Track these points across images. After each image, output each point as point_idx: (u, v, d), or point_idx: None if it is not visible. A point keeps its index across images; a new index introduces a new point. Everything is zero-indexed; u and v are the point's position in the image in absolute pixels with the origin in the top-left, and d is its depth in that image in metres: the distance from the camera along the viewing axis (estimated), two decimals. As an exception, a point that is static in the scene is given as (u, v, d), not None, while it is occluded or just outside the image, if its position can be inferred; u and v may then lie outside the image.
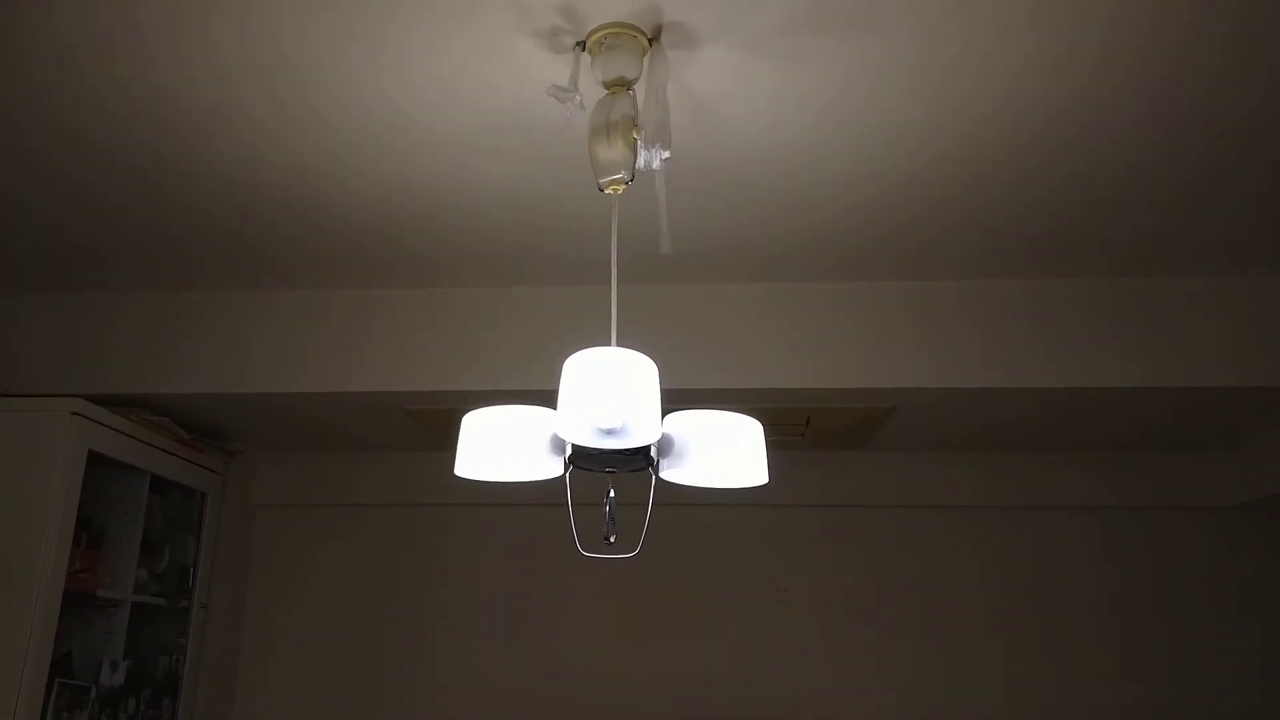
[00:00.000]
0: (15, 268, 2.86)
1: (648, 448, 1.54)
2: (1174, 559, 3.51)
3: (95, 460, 2.76)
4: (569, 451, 1.56)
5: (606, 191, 1.71)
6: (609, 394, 1.40)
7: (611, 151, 1.67)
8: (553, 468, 1.58)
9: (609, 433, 1.44)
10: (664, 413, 1.57)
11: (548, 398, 2.77)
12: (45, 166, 2.27)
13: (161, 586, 3.17)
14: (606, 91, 1.74)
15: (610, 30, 1.73)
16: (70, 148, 2.19)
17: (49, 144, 2.17)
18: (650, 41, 1.76)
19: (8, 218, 2.53)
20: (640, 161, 1.68)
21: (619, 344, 1.62)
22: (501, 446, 1.56)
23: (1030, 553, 3.54)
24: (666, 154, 1.67)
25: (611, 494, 1.61)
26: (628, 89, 1.75)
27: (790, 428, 3.20)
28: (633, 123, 1.68)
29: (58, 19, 1.74)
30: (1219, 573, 3.48)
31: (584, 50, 1.77)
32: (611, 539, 1.58)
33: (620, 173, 1.68)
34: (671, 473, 1.57)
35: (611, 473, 1.57)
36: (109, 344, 3.00)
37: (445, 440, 3.48)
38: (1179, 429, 3.19)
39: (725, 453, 1.54)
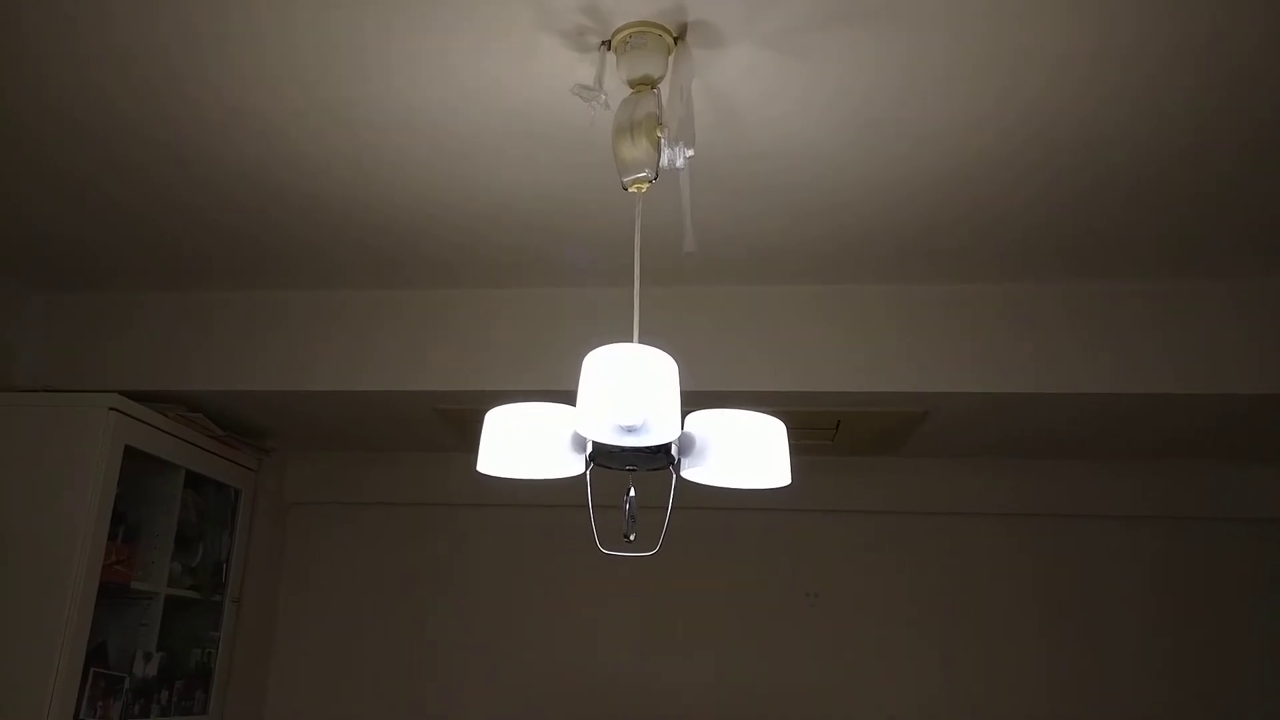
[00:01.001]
0: (54, 267, 2.92)
1: (668, 446, 1.53)
2: (1219, 570, 3.43)
3: (132, 455, 2.81)
4: (589, 449, 1.56)
5: (630, 190, 1.71)
6: (628, 390, 1.40)
7: (635, 150, 1.67)
8: (574, 465, 1.58)
9: (629, 430, 1.44)
10: (688, 413, 1.57)
11: (572, 397, 2.78)
12: (80, 172, 2.32)
13: (195, 580, 3.21)
14: (631, 90, 1.75)
15: (635, 29, 1.73)
16: (102, 152, 2.23)
17: (80, 151, 2.22)
18: (675, 40, 1.76)
19: (47, 219, 2.59)
20: (664, 160, 1.67)
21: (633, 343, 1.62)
22: (523, 444, 1.56)
23: (1066, 561, 3.49)
24: (690, 152, 1.66)
25: (632, 492, 1.61)
26: (652, 88, 1.75)
27: (820, 432, 3.17)
28: (657, 121, 1.68)
29: (76, 27, 1.78)
30: (1265, 584, 3.40)
31: (609, 49, 1.78)
32: (631, 537, 1.58)
33: (644, 171, 1.68)
34: (692, 472, 1.57)
35: (632, 471, 1.57)
36: (145, 341, 3.06)
37: (474, 440, 3.50)
38: (1224, 437, 3.12)
39: (747, 452, 1.54)
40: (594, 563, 3.62)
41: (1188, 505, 3.45)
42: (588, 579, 3.62)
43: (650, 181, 1.69)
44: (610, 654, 3.54)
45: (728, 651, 3.50)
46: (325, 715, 3.59)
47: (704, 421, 1.56)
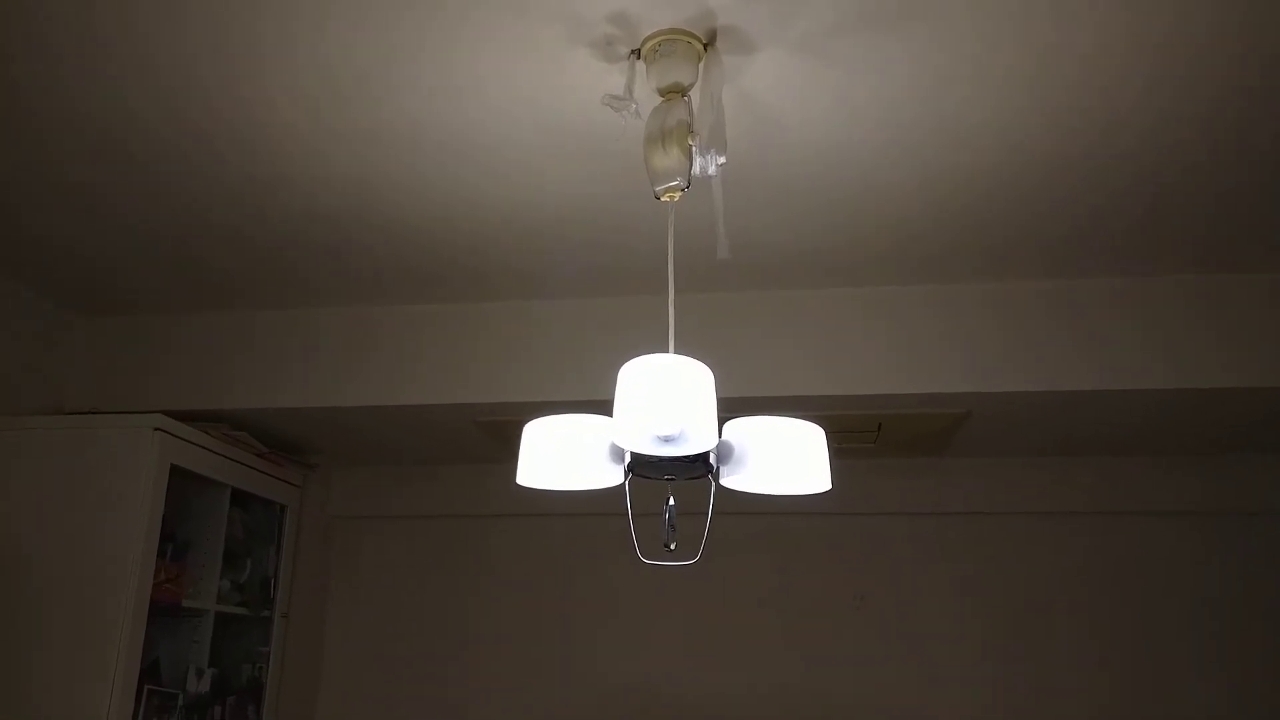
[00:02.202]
0: (95, 290, 2.98)
1: (706, 455, 1.53)
2: (1272, 564, 3.35)
3: (178, 474, 2.85)
4: (628, 459, 1.55)
5: (663, 199, 1.71)
6: (664, 401, 1.39)
7: (667, 158, 1.67)
8: (613, 476, 1.58)
9: (666, 440, 1.43)
10: (726, 421, 1.56)
11: (610, 407, 2.78)
12: (118, 196, 2.36)
13: (244, 596, 3.25)
14: (661, 99, 1.74)
15: (665, 37, 1.73)
16: (139, 176, 2.27)
17: (117, 175, 2.26)
18: (705, 46, 1.75)
19: (86, 244, 2.64)
20: (696, 167, 1.67)
21: (679, 353, 1.62)
22: (562, 455, 1.57)
23: (1117, 560, 3.42)
24: (722, 159, 1.65)
25: (671, 501, 1.60)
26: (683, 95, 1.74)
27: (861, 435, 3.14)
28: (688, 128, 1.67)
29: (151, 47, 1.81)
30: (1321, 581, 3.31)
31: (638, 58, 1.78)
32: (672, 546, 1.57)
33: (676, 180, 1.68)
34: (732, 479, 1.56)
35: (671, 480, 1.57)
36: (187, 362, 3.11)
37: (514, 451, 3.51)
38: (1274, 430, 3.05)
39: (785, 459, 1.52)
40: (635, 571, 3.61)
41: (1242, 500, 3.37)
42: (629, 588, 3.61)
43: (683, 190, 1.68)
44: (654, 662, 3.52)
45: (772, 658, 3.47)
46: (374, 728, 3.62)
47: (742, 429, 1.55)
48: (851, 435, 3.14)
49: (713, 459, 1.54)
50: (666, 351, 1.74)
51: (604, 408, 2.79)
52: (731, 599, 3.55)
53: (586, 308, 2.96)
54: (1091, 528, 3.46)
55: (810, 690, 3.42)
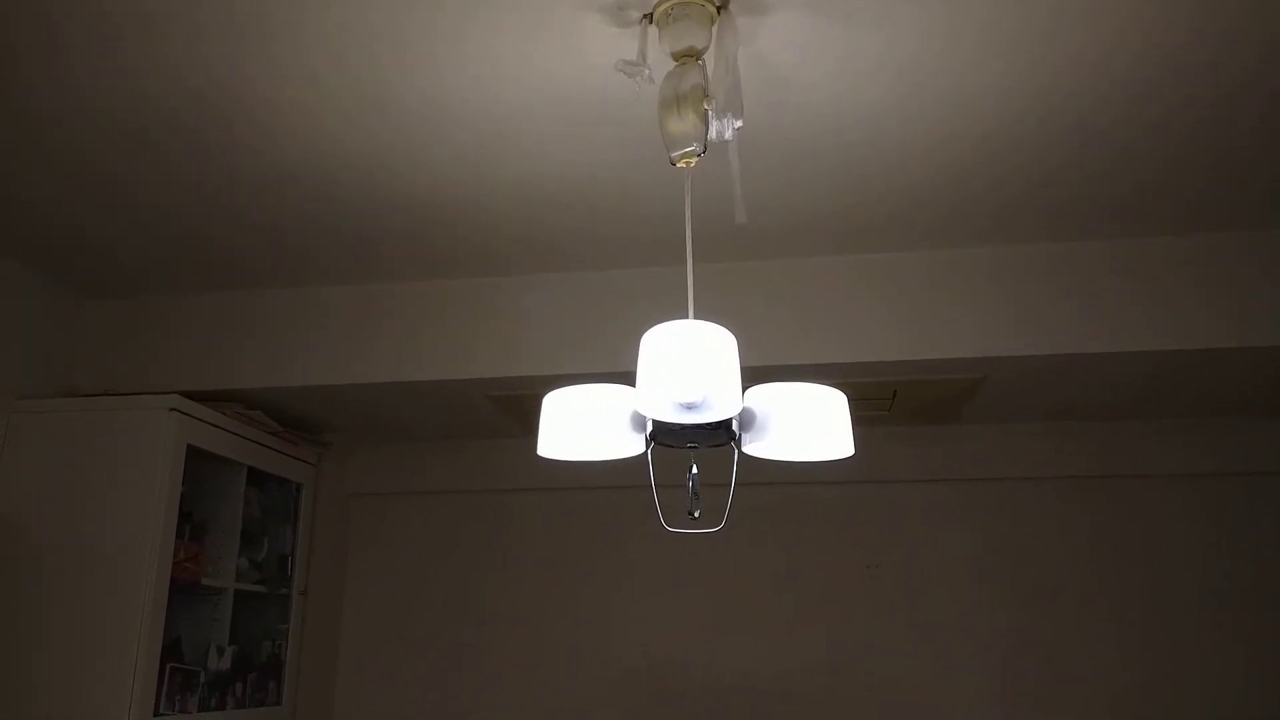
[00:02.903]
0: (105, 273, 2.97)
1: (729, 422, 1.52)
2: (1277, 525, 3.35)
3: (194, 454, 2.85)
4: (650, 428, 1.55)
5: (678, 165, 1.69)
6: (688, 367, 1.38)
7: (682, 123, 1.65)
8: (634, 445, 1.57)
9: (689, 407, 1.42)
10: (746, 389, 1.55)
11: (627, 378, 2.77)
12: (139, 168, 2.35)
13: (262, 574, 3.26)
14: (675, 63, 1.72)
15: (678, 0, 1.70)
16: (162, 148, 2.25)
17: (144, 146, 2.24)
18: (718, 9, 1.72)
19: (96, 226, 2.63)
20: (712, 132, 1.65)
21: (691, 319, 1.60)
22: (583, 425, 1.56)
23: (1128, 523, 3.42)
24: (739, 123, 1.63)
25: (694, 469, 1.60)
26: (697, 59, 1.72)
27: (876, 402, 3.13)
28: (703, 93, 1.65)
29: (158, 24, 1.79)
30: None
31: (650, 22, 1.75)
32: (696, 514, 1.56)
33: (692, 145, 1.65)
34: (754, 446, 1.55)
35: (693, 448, 1.56)
36: (198, 342, 3.11)
37: (528, 426, 3.51)
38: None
39: (808, 424, 1.52)
40: (652, 542, 3.62)
41: (1253, 462, 3.36)
42: (647, 559, 3.62)
43: (699, 155, 1.66)
44: (671, 632, 3.54)
45: (787, 627, 3.48)
46: (393, 701, 3.64)
47: (764, 396, 1.54)
48: (866, 403, 3.13)
49: (735, 426, 1.53)
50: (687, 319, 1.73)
51: (618, 379, 2.79)
52: (746, 569, 3.55)
53: (597, 279, 2.94)
54: (1104, 492, 3.46)
55: (825, 658, 3.43)
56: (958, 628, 3.40)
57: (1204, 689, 3.23)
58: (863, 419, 3.34)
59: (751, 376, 2.72)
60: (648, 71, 1.72)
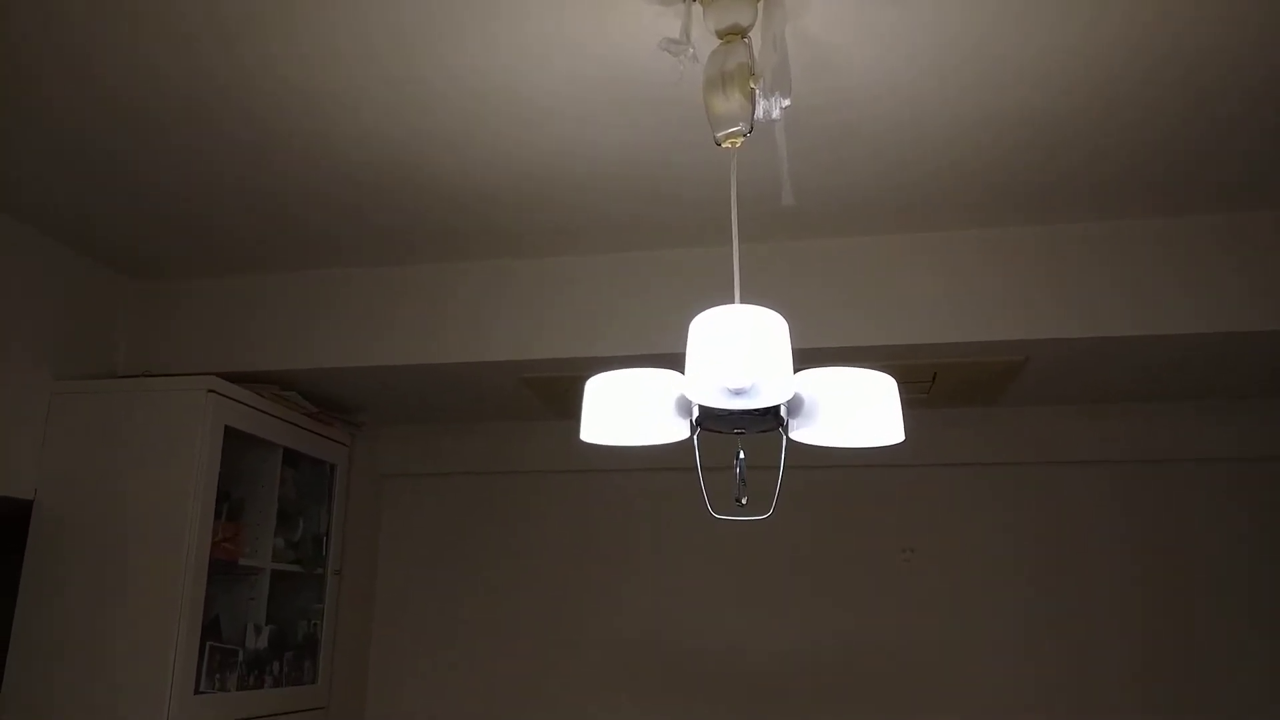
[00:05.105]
0: (146, 255, 2.98)
1: (777, 408, 1.49)
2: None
3: (231, 435, 2.87)
4: (696, 413, 1.52)
5: (724, 146, 1.66)
6: (738, 353, 1.36)
7: (728, 103, 1.61)
8: (679, 430, 1.55)
9: (737, 393, 1.40)
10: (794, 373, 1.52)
11: (670, 361, 2.75)
12: (168, 150, 2.35)
13: (297, 554, 3.28)
14: (720, 41, 1.68)
15: (722, -24, 1.66)
16: (192, 129, 2.25)
17: (174, 128, 2.24)
18: (764, -15, 1.69)
19: (136, 208, 2.64)
20: (759, 111, 1.61)
21: (743, 304, 1.58)
22: (627, 410, 1.54)
23: (1166, 507, 3.36)
24: (787, 102, 1.60)
25: (741, 455, 1.58)
26: (742, 37, 1.68)
27: (916, 385, 3.09)
28: (749, 71, 1.61)
29: (178, 6, 1.78)
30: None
31: (695, 0, 1.72)
32: (743, 500, 1.54)
33: (738, 125, 1.62)
34: (802, 433, 1.52)
35: (740, 434, 1.53)
36: (237, 324, 3.11)
37: (561, 409, 3.50)
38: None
39: (858, 410, 1.49)
40: (689, 525, 3.61)
41: (1304, 446, 3.30)
42: (682, 542, 3.61)
43: (745, 135, 1.63)
44: (706, 614, 3.53)
45: (821, 612, 3.46)
46: (427, 680, 3.67)
47: (812, 381, 1.51)
48: (906, 386, 3.09)
49: (783, 411, 1.50)
50: (725, 304, 1.71)
51: (656, 361, 2.78)
52: (779, 551, 3.54)
53: (638, 260, 2.91)
54: (1143, 475, 3.40)
55: (858, 642, 3.41)
56: (993, 612, 3.37)
57: (1238, 675, 3.19)
58: (901, 401, 3.29)
59: (793, 359, 2.69)
60: (691, 50, 1.69)
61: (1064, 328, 2.65)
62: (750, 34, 1.69)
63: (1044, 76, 1.99)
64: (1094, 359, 2.86)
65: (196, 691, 2.67)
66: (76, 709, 2.59)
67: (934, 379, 3.03)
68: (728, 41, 1.67)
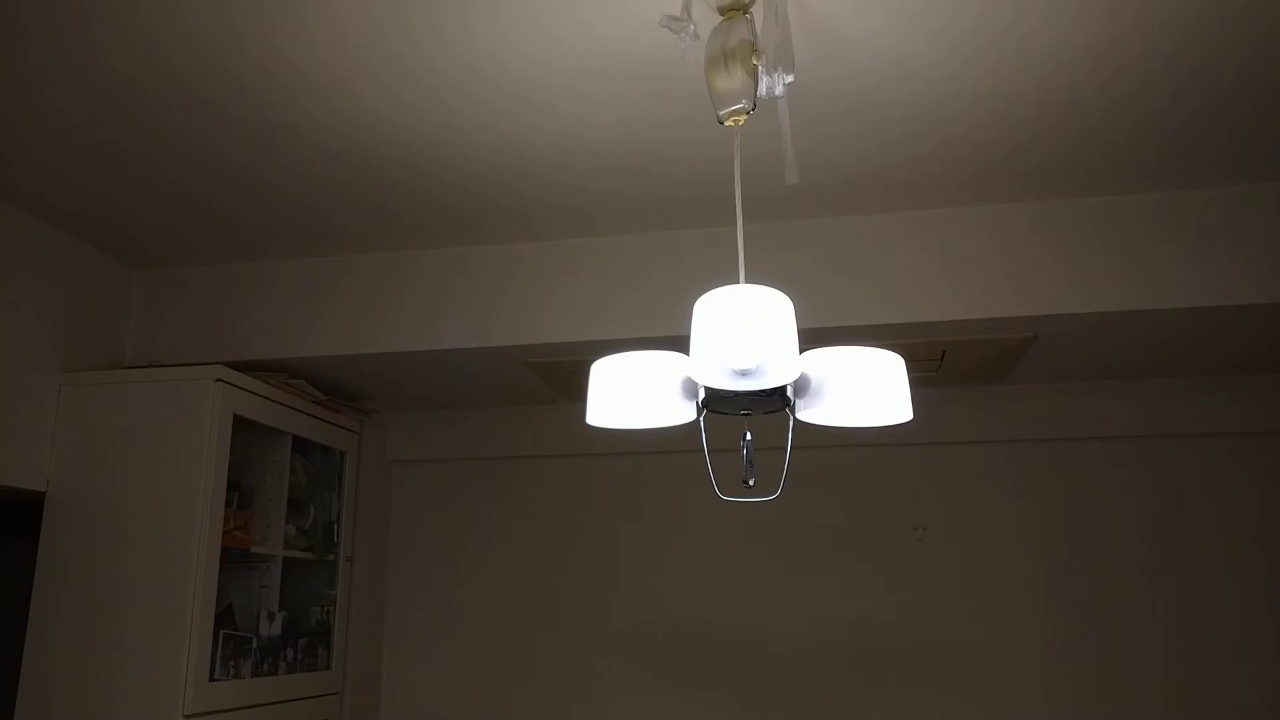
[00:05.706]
0: (153, 245, 2.98)
1: (784, 388, 1.48)
2: (1349, 486, 3.26)
3: (240, 424, 2.87)
4: (702, 395, 1.51)
5: (727, 124, 1.64)
6: (743, 333, 1.35)
7: (731, 80, 1.60)
8: (685, 412, 1.54)
9: (743, 374, 1.39)
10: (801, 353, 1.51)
11: (675, 343, 2.74)
12: (173, 137, 2.34)
13: (309, 541, 3.29)
14: (721, 18, 1.66)
15: (723, -49, 1.64)
16: (197, 116, 2.24)
17: (178, 116, 2.23)
18: (766, -40, 1.66)
19: (141, 197, 2.63)
20: (762, 88, 1.60)
21: (748, 284, 1.56)
22: (633, 393, 1.53)
23: (1178, 482, 3.35)
24: (790, 78, 1.58)
25: (748, 436, 1.57)
26: (744, 13, 1.66)
27: (924, 364, 3.08)
28: (752, 48, 1.59)
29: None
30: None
31: (696, -24, 1.70)
32: (750, 482, 1.53)
33: (741, 102, 1.60)
34: (809, 413, 1.51)
35: (747, 415, 1.53)
36: (244, 312, 3.11)
37: (568, 392, 3.49)
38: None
39: (866, 389, 1.47)
40: (694, 506, 3.61)
41: (1318, 419, 3.27)
42: (692, 523, 3.61)
43: (748, 113, 1.61)
44: (717, 595, 3.53)
45: (832, 592, 3.46)
46: (439, 666, 3.68)
47: (819, 360, 1.50)
48: (914, 364, 3.07)
49: (790, 392, 1.49)
50: (729, 285, 1.69)
51: (661, 343, 2.76)
52: (791, 533, 3.53)
53: (640, 242, 2.90)
54: (1153, 451, 3.39)
55: (872, 623, 3.41)
56: (1005, 589, 3.36)
57: (1254, 649, 3.17)
58: (910, 380, 3.28)
59: (799, 339, 2.68)
60: (693, 27, 1.67)
61: (1070, 303, 2.62)
62: (752, 9, 1.68)
63: (1048, 48, 1.96)
64: (1103, 335, 2.83)
65: (212, 679, 2.69)
66: (94, 698, 2.60)
67: (943, 357, 3.01)
68: (729, 18, 1.65)
